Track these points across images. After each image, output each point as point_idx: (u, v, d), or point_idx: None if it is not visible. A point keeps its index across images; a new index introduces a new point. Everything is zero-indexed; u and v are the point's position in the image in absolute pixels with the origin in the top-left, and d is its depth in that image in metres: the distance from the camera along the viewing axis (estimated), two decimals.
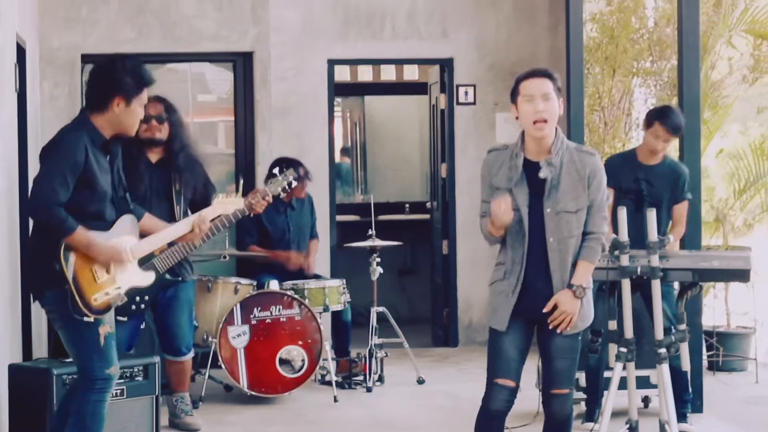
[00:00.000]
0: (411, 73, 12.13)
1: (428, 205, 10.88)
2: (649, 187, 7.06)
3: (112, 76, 5.40)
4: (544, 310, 5.10)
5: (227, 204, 6.14)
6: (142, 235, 5.58)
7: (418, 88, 11.72)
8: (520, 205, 5.08)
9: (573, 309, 5.09)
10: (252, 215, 6.82)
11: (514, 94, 5.14)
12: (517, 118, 5.14)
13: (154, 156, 7.12)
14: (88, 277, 5.27)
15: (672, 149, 7.58)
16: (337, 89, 10.46)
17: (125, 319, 6.81)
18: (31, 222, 7.56)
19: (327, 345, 8.00)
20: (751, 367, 8.86)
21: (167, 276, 6.91)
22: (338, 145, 12.40)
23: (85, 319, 5.24)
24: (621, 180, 7.08)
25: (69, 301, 5.20)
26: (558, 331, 5.11)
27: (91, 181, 5.29)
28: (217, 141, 10.44)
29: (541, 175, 5.07)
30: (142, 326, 7.21)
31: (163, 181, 7.06)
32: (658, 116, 7.04)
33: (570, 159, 5.10)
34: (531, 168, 5.11)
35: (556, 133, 5.11)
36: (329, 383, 8.08)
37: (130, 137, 6.86)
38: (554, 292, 5.11)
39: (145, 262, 6.63)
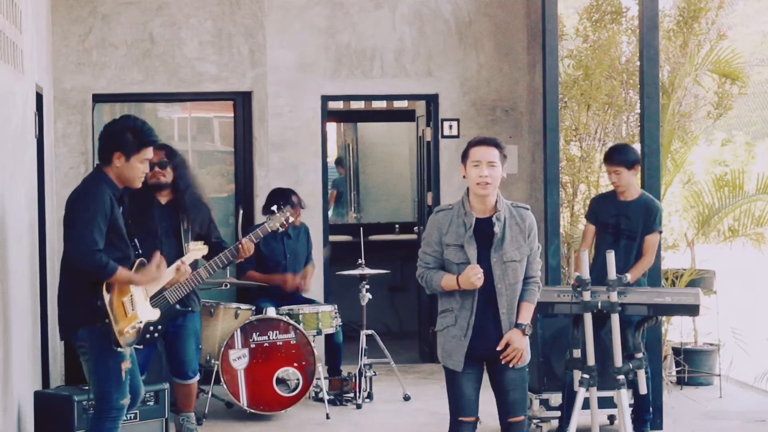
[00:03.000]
0: (400, 102, 12.41)
1: (416, 229, 11.24)
2: (626, 221, 7.66)
3: (116, 132, 5.85)
4: (498, 348, 5.60)
5: (198, 250, 7.04)
6: None
7: (407, 115, 12.05)
8: (471, 257, 5.58)
9: (523, 345, 5.63)
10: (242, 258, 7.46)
11: (464, 157, 5.67)
12: (464, 176, 5.67)
13: (163, 198, 7.59)
14: (121, 312, 5.79)
15: None
16: (331, 116, 10.73)
17: (141, 347, 7.30)
18: (49, 260, 8.10)
19: (320, 366, 8.42)
20: (717, 382, 9.26)
21: (177, 307, 7.35)
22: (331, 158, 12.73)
23: (119, 350, 5.73)
24: (602, 215, 7.78)
25: (111, 335, 5.68)
26: (511, 365, 5.63)
27: (116, 228, 5.76)
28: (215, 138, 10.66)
29: (496, 229, 5.58)
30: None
31: (172, 221, 7.53)
32: (605, 158, 7.80)
33: (510, 214, 5.65)
34: (478, 224, 5.62)
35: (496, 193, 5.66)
36: (322, 400, 8.47)
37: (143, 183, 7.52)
38: (504, 332, 5.62)
39: (157, 294, 7.28)
